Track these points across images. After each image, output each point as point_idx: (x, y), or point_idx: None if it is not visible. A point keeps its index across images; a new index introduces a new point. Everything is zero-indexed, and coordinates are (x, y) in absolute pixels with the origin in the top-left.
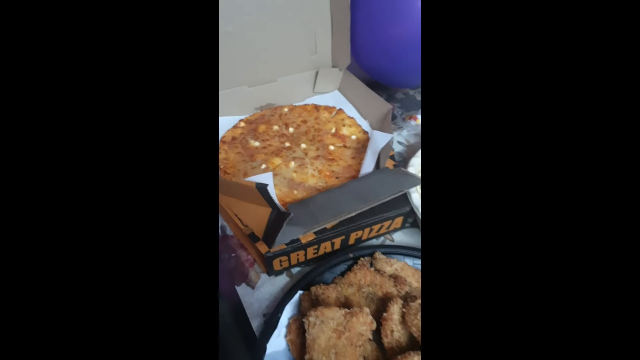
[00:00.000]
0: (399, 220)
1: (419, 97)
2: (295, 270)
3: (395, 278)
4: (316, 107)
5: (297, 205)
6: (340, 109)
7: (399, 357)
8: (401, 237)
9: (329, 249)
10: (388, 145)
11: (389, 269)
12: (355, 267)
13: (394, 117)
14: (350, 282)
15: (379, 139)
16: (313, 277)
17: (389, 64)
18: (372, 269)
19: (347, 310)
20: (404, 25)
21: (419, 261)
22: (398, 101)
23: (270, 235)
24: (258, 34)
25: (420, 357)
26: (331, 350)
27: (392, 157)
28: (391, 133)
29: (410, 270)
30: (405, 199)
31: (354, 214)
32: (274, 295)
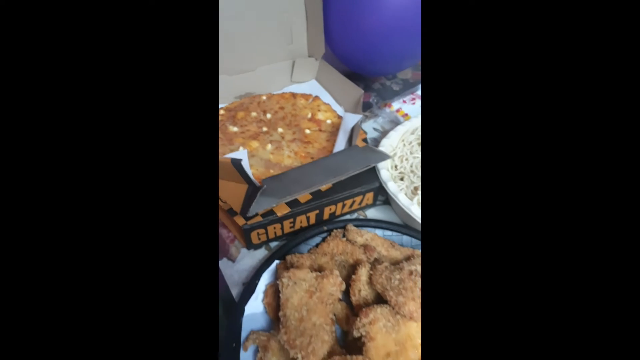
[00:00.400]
0: (369, 196)
1: (395, 87)
2: (273, 244)
3: (365, 247)
4: (293, 95)
5: (271, 179)
6: (316, 96)
7: (364, 309)
8: (374, 214)
9: (304, 224)
10: (357, 125)
11: (359, 239)
12: (328, 238)
13: (370, 106)
14: (324, 252)
15: (350, 120)
16: (289, 248)
17: (362, 53)
18: (345, 239)
19: (318, 273)
20: (376, 14)
21: (389, 232)
22: (375, 91)
23: (246, 207)
24: (236, 24)
25: (382, 308)
26: (303, 308)
27: (365, 141)
28: (361, 114)
29: (380, 240)
30: (374, 175)
31: (323, 186)
32: (253, 267)
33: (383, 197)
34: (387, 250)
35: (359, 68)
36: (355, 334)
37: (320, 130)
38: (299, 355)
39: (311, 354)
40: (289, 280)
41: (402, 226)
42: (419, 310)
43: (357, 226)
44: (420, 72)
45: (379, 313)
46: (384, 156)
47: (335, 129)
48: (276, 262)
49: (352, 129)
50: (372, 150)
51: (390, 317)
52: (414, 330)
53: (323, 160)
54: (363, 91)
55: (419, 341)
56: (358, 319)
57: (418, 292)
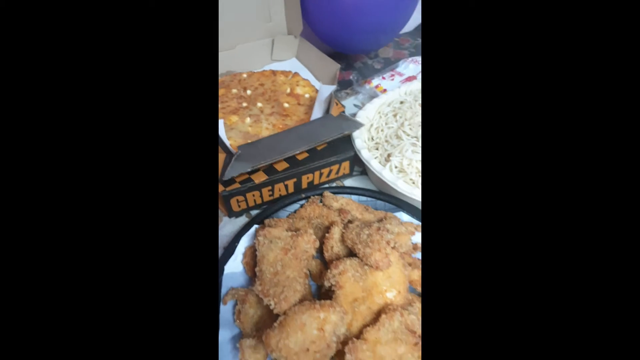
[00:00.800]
0: (346, 166)
1: (376, 66)
2: (254, 212)
3: (340, 210)
4: (273, 72)
5: (246, 146)
6: (296, 73)
7: (334, 261)
8: (351, 183)
9: (283, 192)
10: (332, 95)
11: (335, 204)
12: (306, 204)
13: (350, 83)
14: (302, 217)
15: (325, 91)
16: (268, 214)
17: (338, 29)
18: (321, 204)
19: (293, 232)
20: None
21: (364, 198)
22: (356, 69)
23: (223, 173)
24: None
25: (352, 260)
26: (278, 263)
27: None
28: (335, 85)
29: (355, 205)
30: (349, 144)
31: (297, 152)
32: (234, 233)
33: (360, 168)
34: (362, 213)
35: (336, 45)
36: (326, 284)
37: (298, 104)
38: (272, 302)
39: (283, 301)
40: (264, 239)
41: (377, 192)
42: (384, 260)
43: (333, 193)
44: (401, 51)
45: (348, 264)
46: (357, 124)
47: (313, 103)
48: (255, 226)
49: (328, 100)
50: (345, 118)
51: (358, 268)
52: (380, 279)
53: (297, 128)
54: (339, 65)
55: (385, 288)
56: (329, 270)
57: (384, 244)
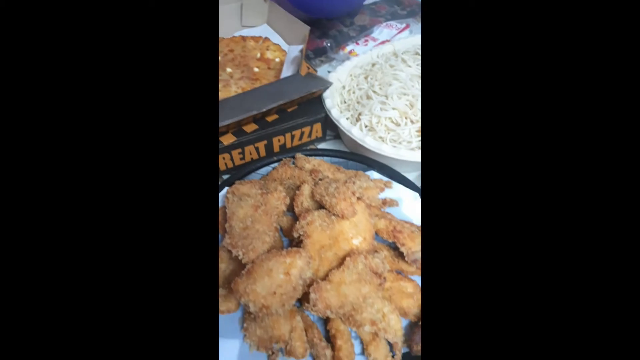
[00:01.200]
0: (317, 128)
1: (352, 33)
2: (225, 176)
3: (312, 171)
4: (243, 38)
5: None
6: (266, 38)
7: (303, 213)
8: (324, 147)
9: (254, 155)
10: (299, 55)
11: (307, 166)
12: (278, 166)
13: (325, 51)
14: (274, 178)
15: (293, 51)
16: (239, 176)
17: None
18: (293, 166)
19: (263, 191)
20: None
21: (337, 160)
22: (331, 37)
23: None
24: None
25: (319, 212)
26: (248, 219)
27: None
28: (304, 44)
29: (327, 166)
30: (320, 106)
31: (264, 110)
32: None
33: (333, 132)
34: (333, 173)
35: (307, 7)
36: (295, 235)
37: (268, 68)
38: (240, 253)
39: (251, 251)
40: (233, 196)
41: (349, 153)
42: (349, 208)
43: (306, 155)
44: (377, 18)
45: (315, 215)
46: (325, 82)
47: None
48: (227, 188)
49: (297, 61)
50: (313, 76)
51: (325, 218)
52: (347, 227)
53: (264, 87)
54: (309, 27)
55: (351, 235)
56: (297, 222)
57: (350, 194)
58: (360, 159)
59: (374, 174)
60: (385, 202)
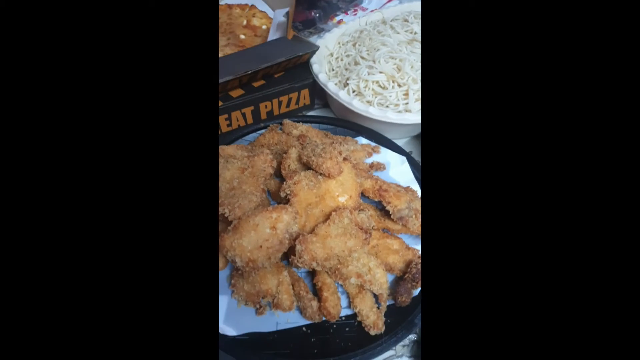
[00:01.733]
0: (305, 94)
1: (340, 4)
2: None
3: (300, 136)
4: (229, 6)
5: None
6: (252, 5)
7: (290, 174)
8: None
9: (241, 122)
10: (285, 20)
11: (295, 132)
12: (265, 132)
13: (314, 23)
14: (261, 144)
15: (279, 15)
16: (226, 142)
17: None
18: (281, 132)
19: (250, 154)
20: None
21: (325, 126)
22: (320, 8)
23: None
24: None
25: (306, 172)
26: (234, 180)
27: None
28: (290, 7)
29: (315, 132)
30: (307, 71)
31: (249, 72)
32: None
33: (322, 101)
34: (321, 139)
35: None
36: (282, 195)
37: (255, 35)
38: (226, 210)
39: (237, 208)
40: (219, 158)
41: (337, 119)
42: (335, 167)
43: (294, 121)
44: None
45: (302, 175)
46: (312, 46)
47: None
48: None
49: (284, 26)
50: (299, 40)
51: (312, 178)
52: (333, 186)
53: (249, 50)
54: None
55: (337, 193)
56: (284, 182)
57: (336, 153)
58: (348, 125)
59: (362, 140)
60: (372, 165)
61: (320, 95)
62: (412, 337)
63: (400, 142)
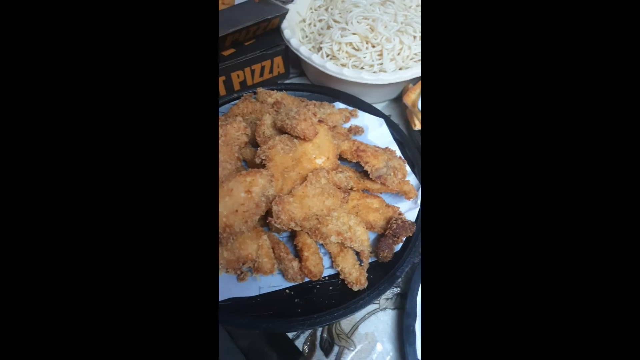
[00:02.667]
0: (279, 62)
1: None
2: None
3: (275, 103)
4: None
5: None
6: None
7: (265, 140)
8: None
9: None
10: None
11: (270, 99)
12: (238, 102)
13: None
14: (235, 114)
15: None
16: None
17: None
18: (255, 100)
19: (222, 123)
20: None
21: (301, 93)
22: None
23: None
24: None
25: (281, 137)
26: None
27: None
28: None
29: (290, 99)
30: (278, 37)
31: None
32: None
33: (297, 70)
34: (297, 106)
35: None
36: (257, 161)
37: (222, 3)
38: None
39: None
40: None
41: (313, 85)
42: (310, 128)
43: (268, 89)
44: None
45: (277, 140)
46: (281, 9)
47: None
48: None
49: None
50: (268, 3)
51: (288, 142)
52: (309, 148)
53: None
54: None
55: (314, 156)
56: (259, 148)
57: (310, 115)
58: (325, 90)
59: (340, 105)
60: (351, 129)
61: (295, 63)
62: (396, 290)
63: (378, 106)
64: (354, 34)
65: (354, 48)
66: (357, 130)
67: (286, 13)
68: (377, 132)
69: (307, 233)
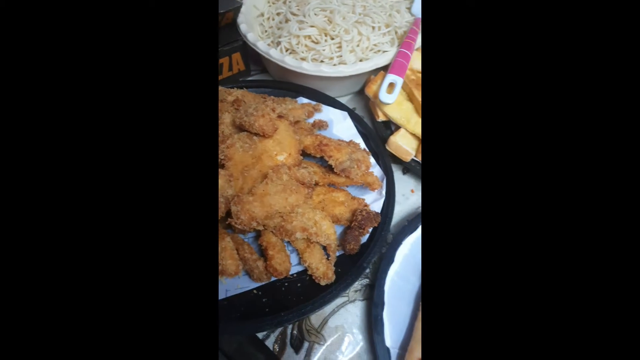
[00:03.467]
0: (238, 59)
1: None
2: None
3: (235, 101)
4: None
5: None
6: None
7: (223, 139)
8: None
9: None
10: None
11: (229, 98)
12: None
13: None
14: None
15: None
16: None
17: None
18: None
19: None
20: None
21: (262, 90)
22: None
23: None
24: None
25: (240, 135)
26: None
27: None
28: None
29: (251, 96)
30: (235, 32)
31: None
32: None
33: (259, 66)
34: (257, 103)
35: None
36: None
37: None
38: None
39: None
40: None
41: (274, 81)
42: (269, 124)
43: (228, 88)
44: None
45: (236, 138)
46: (234, 2)
47: None
48: None
49: None
50: None
51: (247, 139)
52: (270, 145)
53: None
54: None
55: (275, 152)
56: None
57: (268, 110)
58: (287, 86)
59: (303, 100)
60: (315, 124)
61: (256, 60)
62: (365, 281)
63: (343, 100)
64: (311, 26)
65: (312, 41)
66: (321, 125)
67: (240, 7)
68: (341, 126)
69: (272, 232)
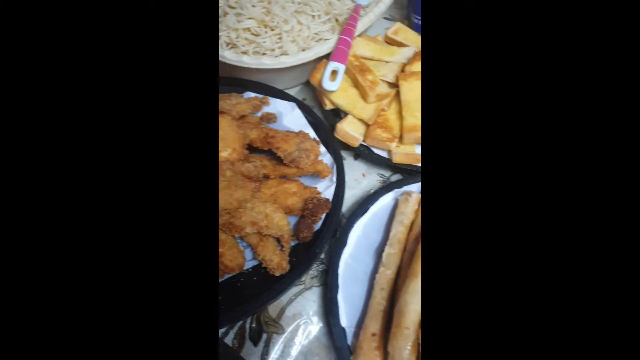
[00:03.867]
0: None
1: None
2: None
3: None
4: None
5: None
6: None
7: None
8: None
9: None
10: None
11: None
12: None
13: None
14: None
15: None
16: None
17: None
18: None
19: None
20: None
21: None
22: None
23: None
24: None
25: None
26: None
27: None
28: None
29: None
30: None
31: None
32: None
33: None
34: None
35: None
36: None
37: None
38: None
39: None
40: None
41: (222, 78)
42: None
43: None
44: None
45: None
46: None
47: None
48: None
49: None
50: None
51: None
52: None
53: None
54: None
55: (218, 149)
56: None
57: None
58: (232, 82)
59: (250, 94)
60: (263, 117)
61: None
62: (321, 267)
63: (293, 91)
64: (250, 18)
65: (252, 34)
66: (269, 118)
67: None
68: (291, 117)
69: (221, 229)
